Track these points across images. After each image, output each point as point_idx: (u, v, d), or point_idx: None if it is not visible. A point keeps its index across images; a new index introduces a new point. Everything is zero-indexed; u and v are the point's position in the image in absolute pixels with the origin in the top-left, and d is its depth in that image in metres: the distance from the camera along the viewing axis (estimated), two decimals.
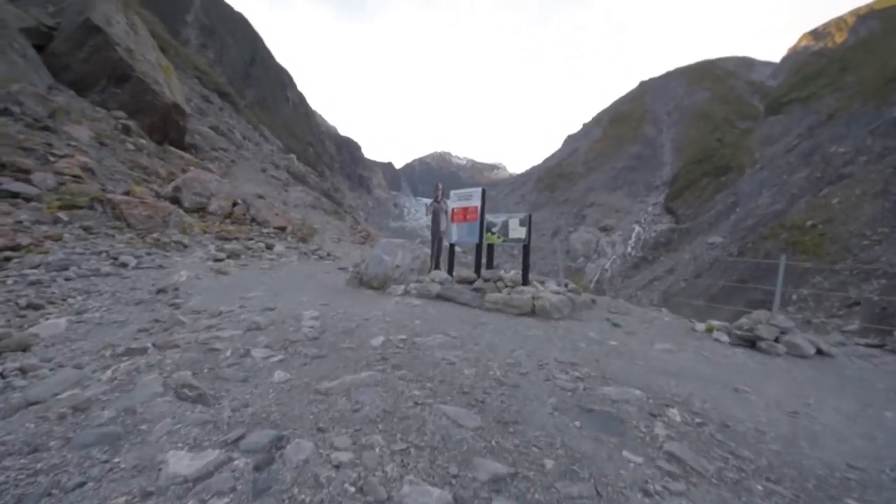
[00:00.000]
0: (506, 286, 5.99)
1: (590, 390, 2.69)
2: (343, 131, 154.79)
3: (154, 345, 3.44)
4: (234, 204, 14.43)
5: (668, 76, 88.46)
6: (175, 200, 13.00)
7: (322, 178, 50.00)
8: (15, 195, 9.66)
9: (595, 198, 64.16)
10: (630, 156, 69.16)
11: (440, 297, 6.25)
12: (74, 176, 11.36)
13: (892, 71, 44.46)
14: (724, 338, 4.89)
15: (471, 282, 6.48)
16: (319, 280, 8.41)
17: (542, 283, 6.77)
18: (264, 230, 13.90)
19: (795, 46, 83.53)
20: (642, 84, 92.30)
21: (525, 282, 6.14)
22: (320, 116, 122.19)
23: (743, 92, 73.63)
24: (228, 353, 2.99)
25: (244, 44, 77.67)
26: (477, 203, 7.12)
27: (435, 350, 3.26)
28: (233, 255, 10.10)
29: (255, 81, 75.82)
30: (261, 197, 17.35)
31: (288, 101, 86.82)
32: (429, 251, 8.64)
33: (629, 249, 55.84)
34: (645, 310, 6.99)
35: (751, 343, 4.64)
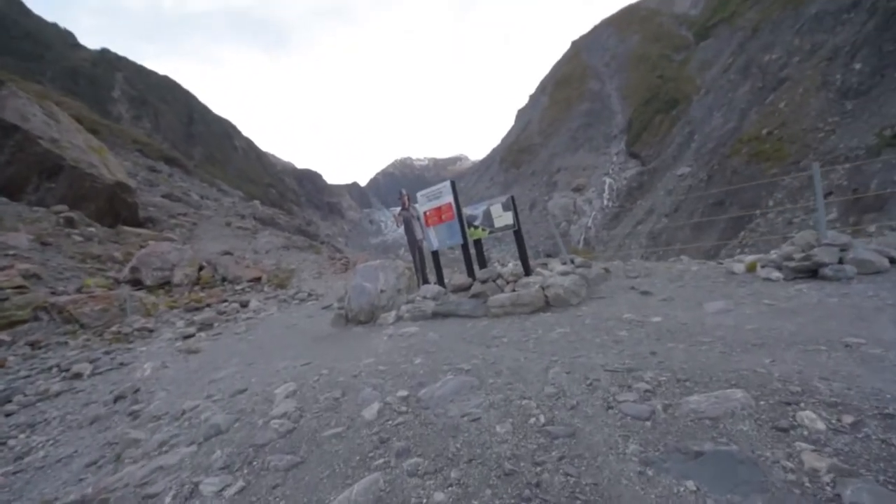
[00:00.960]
0: (507, 282, 5.30)
1: (673, 411, 1.92)
2: (301, 164, 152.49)
3: (83, 500, 2.55)
4: (201, 268, 13.87)
5: (597, 30, 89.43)
6: (136, 282, 12.45)
7: (291, 215, 48.63)
8: None
9: (560, 162, 64.35)
10: (582, 114, 69.60)
11: (438, 314, 5.53)
12: (16, 287, 10.50)
13: None
14: (776, 274, 4.14)
15: (467, 288, 5.79)
16: (301, 329, 7.65)
17: (546, 265, 6.04)
18: (237, 287, 13.33)
19: None
20: (574, 43, 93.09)
21: (527, 271, 5.41)
22: (273, 156, 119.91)
23: (671, 27, 74.79)
24: (169, 499, 2.11)
25: (178, 105, 75.49)
26: (449, 198, 6.39)
27: (448, 404, 2.44)
28: (204, 325, 9.44)
29: (199, 139, 73.83)
30: (228, 253, 16.69)
31: (237, 149, 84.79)
32: (412, 265, 7.84)
33: (605, 202, 56.18)
34: (666, 264, 6.23)
35: (811, 272, 3.89)
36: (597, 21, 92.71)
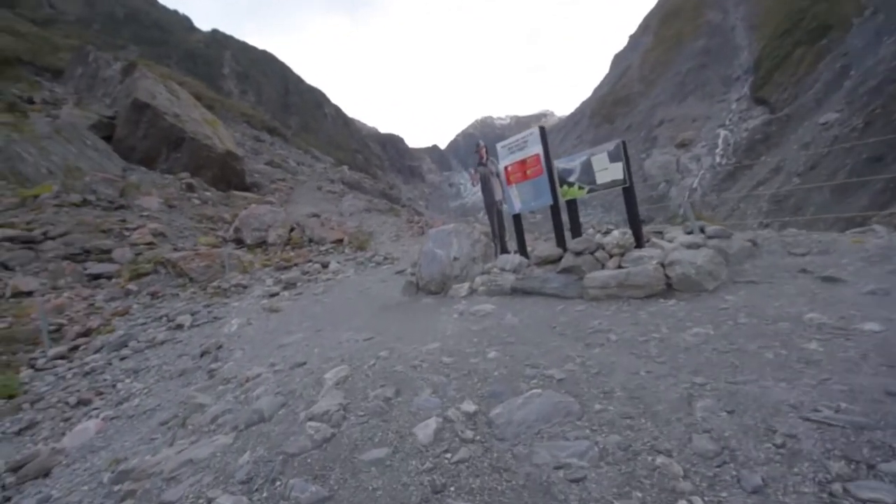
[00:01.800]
0: (611, 255, 4.09)
1: None
2: (384, 129, 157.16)
3: (129, 472, 2.38)
4: (291, 230, 14.64)
5: None
6: (238, 241, 13.66)
7: (376, 179, 50.44)
8: (97, 277, 10.41)
9: (663, 114, 56.42)
10: (695, 53, 59.30)
11: (518, 291, 4.65)
12: (147, 243, 12.15)
13: None
14: None
15: (556, 260, 4.71)
16: (373, 294, 7.49)
17: (661, 234, 4.74)
18: (322, 248, 13.88)
19: None
20: None
21: (639, 242, 4.20)
22: (359, 122, 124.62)
23: None
24: None
25: (276, 78, 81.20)
26: (536, 149, 5.18)
27: (534, 440, 1.65)
28: (289, 285, 9.76)
29: (294, 109, 79.23)
30: (315, 215, 17.38)
31: (327, 117, 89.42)
32: (489, 230, 6.94)
33: (718, 160, 48.17)
34: (851, 236, 4.48)
35: None
36: None
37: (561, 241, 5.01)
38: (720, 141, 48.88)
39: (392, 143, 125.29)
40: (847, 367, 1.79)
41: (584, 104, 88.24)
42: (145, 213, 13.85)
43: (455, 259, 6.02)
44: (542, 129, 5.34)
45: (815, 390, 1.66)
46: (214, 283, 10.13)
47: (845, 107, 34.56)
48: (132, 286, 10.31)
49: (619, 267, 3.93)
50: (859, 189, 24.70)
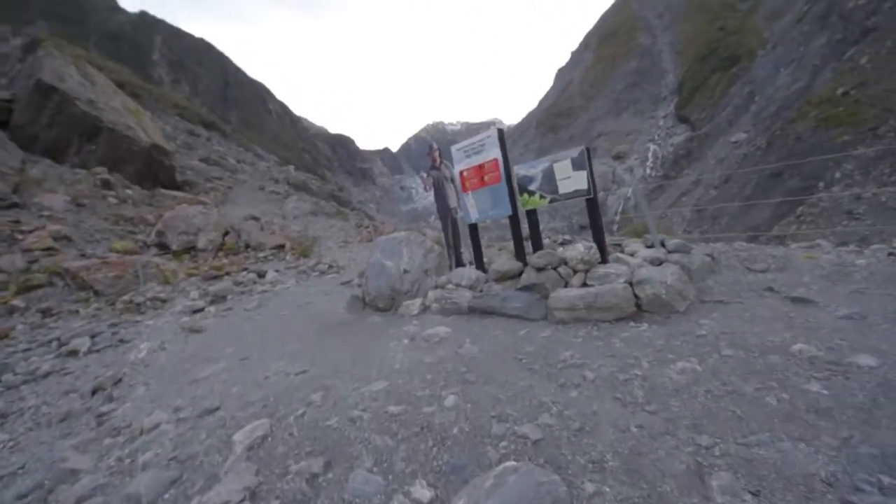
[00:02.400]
0: (575, 272, 3.82)
1: None
2: (333, 129, 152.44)
3: None
4: (226, 234, 13.29)
5: None
6: (162, 246, 12.17)
7: (324, 181, 48.25)
8: None
9: (601, 127, 59.93)
10: (628, 73, 63.74)
11: (475, 310, 4.24)
12: (46, 249, 10.17)
13: None
14: None
15: (516, 275, 4.35)
16: (314, 310, 6.67)
17: (620, 247, 4.59)
18: (260, 255, 12.69)
19: None
20: None
21: (604, 257, 3.95)
22: (307, 120, 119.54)
23: None
24: None
25: (214, 69, 75.56)
26: (495, 154, 4.80)
27: None
28: (217, 298, 8.68)
29: (234, 103, 74.18)
30: (255, 218, 15.85)
31: (271, 113, 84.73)
32: (442, 239, 6.39)
33: (648, 171, 51.99)
34: (803, 251, 4.54)
35: None
36: None
37: (520, 255, 4.63)
38: (650, 154, 52.85)
39: (342, 144, 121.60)
40: (863, 419, 1.54)
41: (531, 114, 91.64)
42: (46, 213, 11.77)
43: (405, 272, 5.47)
44: (500, 132, 4.89)
45: (842, 455, 1.37)
46: (125, 298, 8.75)
47: (752, 128, 38.80)
48: (18, 301, 8.59)
49: (585, 285, 3.65)
50: (764, 199, 27.62)
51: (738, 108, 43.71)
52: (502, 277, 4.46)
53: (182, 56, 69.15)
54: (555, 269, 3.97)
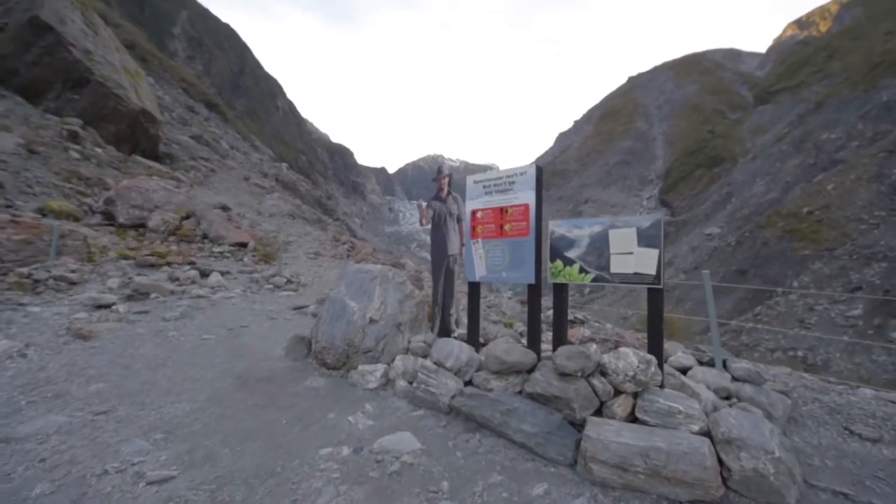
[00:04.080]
0: (619, 391, 2.82)
1: None
2: (335, 138, 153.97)
3: None
4: (186, 217, 11.74)
5: (657, 70, 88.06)
6: (108, 216, 10.62)
7: (315, 185, 48.63)
8: None
9: (590, 194, 63.24)
10: (623, 150, 68.44)
11: (461, 413, 3.23)
12: None
13: (878, 56, 44.18)
14: None
15: (525, 370, 3.27)
16: (244, 343, 5.21)
17: (683, 369, 3.60)
18: (216, 249, 10.88)
19: (781, 36, 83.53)
20: (631, 79, 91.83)
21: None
22: (312, 124, 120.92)
23: (731, 83, 73.19)
24: None
25: (233, 55, 76.63)
26: (527, 197, 3.70)
27: None
28: (137, 294, 6.82)
29: (244, 92, 74.80)
30: (225, 208, 14.56)
31: (278, 109, 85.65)
32: (432, 288, 5.02)
33: None
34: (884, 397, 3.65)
35: None
36: (658, 62, 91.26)
37: (535, 342, 3.53)
38: None
39: (340, 155, 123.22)
40: None
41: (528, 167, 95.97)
42: None
43: (372, 321, 4.25)
44: (539, 171, 3.74)
45: None
46: (23, 270, 6.76)
47: (725, 225, 41.95)
48: None
49: (634, 418, 2.69)
50: (727, 294, 29.58)
51: (716, 204, 47.34)
52: (506, 370, 3.25)
53: (203, 35, 70.26)
54: (587, 378, 2.88)
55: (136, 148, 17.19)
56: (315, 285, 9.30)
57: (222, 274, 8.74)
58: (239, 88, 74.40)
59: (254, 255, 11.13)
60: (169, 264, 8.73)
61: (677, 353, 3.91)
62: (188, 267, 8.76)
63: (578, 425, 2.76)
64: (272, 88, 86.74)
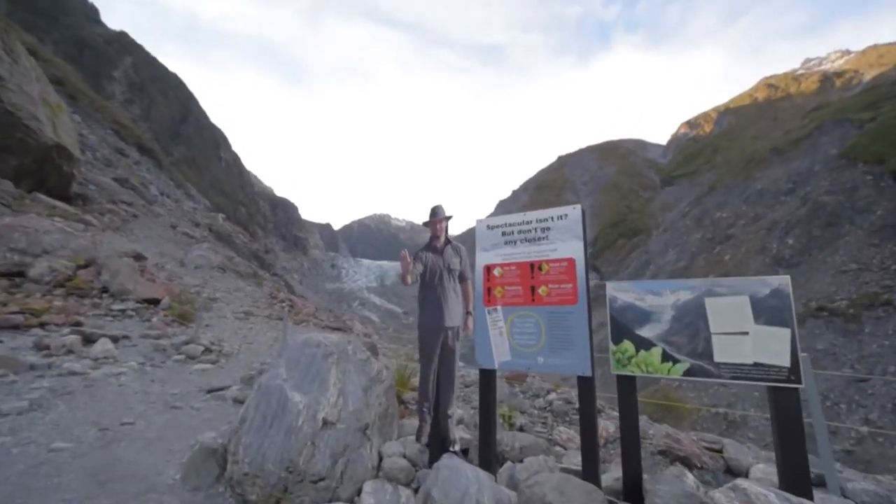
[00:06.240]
0: None
1: None
2: (280, 192, 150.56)
3: None
4: (83, 266, 9.85)
5: (582, 152, 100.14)
6: None
7: (253, 238, 46.41)
8: None
9: None
10: None
11: None
12: None
13: (749, 153, 54.37)
14: None
15: None
16: (118, 457, 3.02)
17: (731, 470, 2.91)
18: (117, 306, 8.89)
19: (676, 132, 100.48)
20: (560, 158, 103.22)
21: None
22: (255, 177, 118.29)
23: (642, 167, 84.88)
24: None
25: (176, 103, 74.91)
26: (572, 250, 2.77)
27: None
28: None
29: (185, 140, 72.34)
30: (140, 257, 12.46)
31: (221, 160, 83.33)
32: (420, 376, 3.37)
33: None
34: None
35: None
36: (583, 145, 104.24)
37: (593, 467, 2.37)
38: None
39: (283, 208, 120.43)
40: None
41: (469, 232, 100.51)
42: None
43: (325, 424, 2.64)
44: (583, 214, 2.85)
45: None
46: None
47: None
48: None
49: None
50: None
51: (638, 269, 52.16)
52: None
53: (146, 81, 68.60)
54: None
55: (42, 185, 15.54)
56: (242, 355, 7.48)
57: (115, 340, 6.53)
58: (179, 136, 72.02)
59: (166, 315, 9.08)
60: (42, 325, 6.49)
61: (754, 468, 2.89)
62: (68, 330, 6.50)
63: None
64: (216, 139, 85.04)
